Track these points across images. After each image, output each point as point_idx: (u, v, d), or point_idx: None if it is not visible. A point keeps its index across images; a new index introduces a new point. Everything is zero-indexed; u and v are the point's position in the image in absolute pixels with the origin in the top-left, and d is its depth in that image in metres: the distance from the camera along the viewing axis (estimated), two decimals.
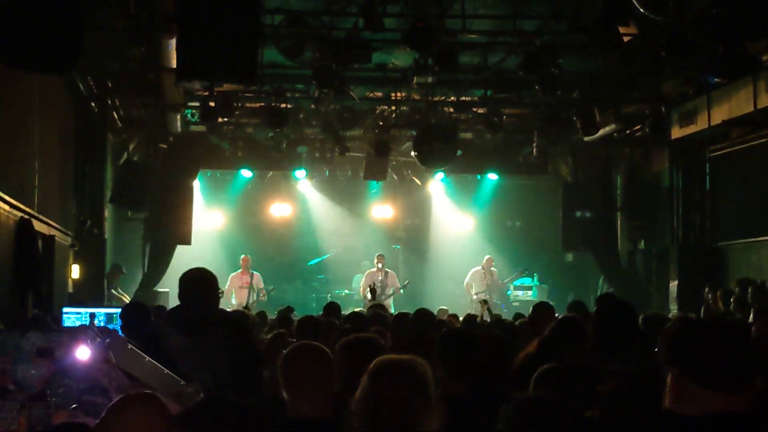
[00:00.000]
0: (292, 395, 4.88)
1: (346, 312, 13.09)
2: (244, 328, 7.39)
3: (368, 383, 4.31)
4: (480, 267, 23.00)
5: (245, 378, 6.89)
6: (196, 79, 11.57)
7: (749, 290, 14.37)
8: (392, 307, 20.54)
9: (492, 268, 22.99)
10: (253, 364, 7.00)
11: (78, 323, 10.20)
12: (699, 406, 3.34)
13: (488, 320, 14.08)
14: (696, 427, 3.32)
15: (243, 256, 22.37)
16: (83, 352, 4.61)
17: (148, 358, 5.34)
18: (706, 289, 16.59)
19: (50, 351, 4.66)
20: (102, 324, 9.93)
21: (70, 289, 17.27)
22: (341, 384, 5.15)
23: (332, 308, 12.66)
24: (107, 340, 4.91)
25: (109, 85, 18.52)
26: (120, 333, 7.72)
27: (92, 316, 10.06)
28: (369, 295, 19.39)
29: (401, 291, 22.43)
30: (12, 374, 4.62)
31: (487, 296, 21.78)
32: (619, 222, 24.02)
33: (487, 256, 23.21)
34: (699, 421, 3.32)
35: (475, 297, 22.42)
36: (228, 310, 13.87)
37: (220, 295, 7.66)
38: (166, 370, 5.27)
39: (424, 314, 9.92)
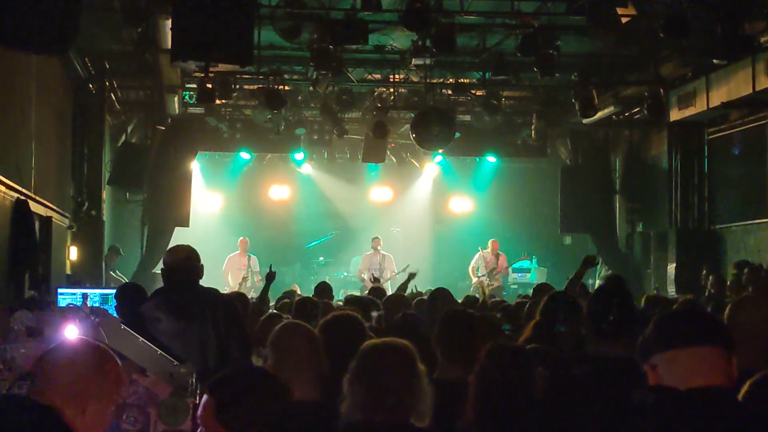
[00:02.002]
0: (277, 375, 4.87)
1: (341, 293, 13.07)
2: (232, 307, 7.36)
3: (357, 367, 4.31)
4: (488, 250, 23.02)
5: (233, 360, 6.88)
6: (191, 59, 11.53)
7: (745, 272, 14.36)
8: (390, 289, 20.53)
9: (499, 252, 22.96)
10: (241, 347, 6.99)
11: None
12: (677, 383, 3.37)
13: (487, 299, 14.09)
14: (681, 400, 3.33)
15: (241, 238, 22.38)
16: (72, 332, 4.58)
17: (141, 338, 5.32)
18: (704, 272, 16.60)
19: (40, 330, 4.64)
20: (97, 305, 9.92)
21: (68, 271, 17.26)
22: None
23: (323, 289, 12.58)
24: (97, 320, 4.89)
25: (107, 66, 18.48)
26: (115, 314, 7.71)
27: (85, 296, 10.05)
28: (366, 277, 19.38)
29: (397, 276, 22.43)
30: (1, 353, 4.60)
31: (486, 279, 21.85)
32: (617, 204, 24.02)
33: (492, 240, 23.19)
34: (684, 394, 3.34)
35: (475, 279, 22.45)
36: (225, 291, 13.79)
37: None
38: (159, 351, 5.25)
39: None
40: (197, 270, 7.27)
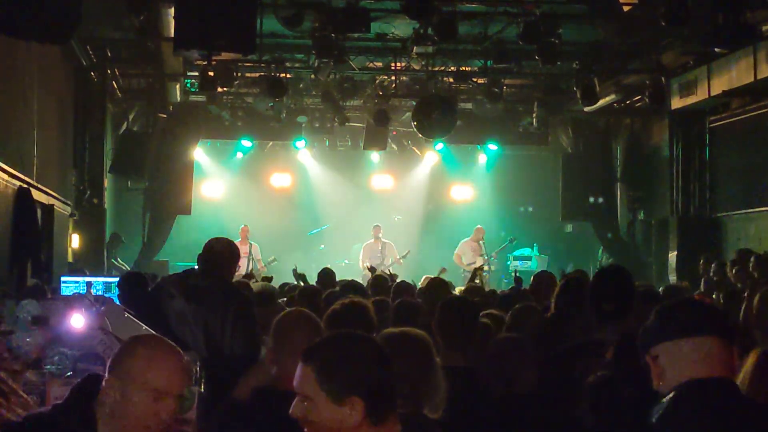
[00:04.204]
0: (278, 365, 4.87)
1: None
2: (246, 301, 7.42)
3: None
4: (469, 238, 23.06)
5: (241, 347, 6.91)
6: (193, 47, 11.53)
7: (751, 260, 14.37)
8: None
9: (480, 241, 23.02)
10: (250, 335, 7.01)
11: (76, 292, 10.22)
12: (680, 373, 3.39)
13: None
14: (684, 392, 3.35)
15: (242, 226, 22.39)
16: (77, 320, 4.61)
17: (144, 326, 5.35)
18: (701, 261, 16.62)
19: (45, 319, 4.66)
20: (100, 293, 9.96)
21: (70, 259, 17.30)
22: None
23: (327, 275, 12.50)
24: (102, 308, 4.92)
25: (109, 54, 18.48)
26: (117, 302, 7.76)
27: (89, 285, 10.08)
28: (368, 272, 19.38)
29: (401, 261, 22.48)
30: (7, 342, 4.63)
31: (486, 266, 21.87)
32: (618, 192, 24.03)
33: (477, 227, 23.23)
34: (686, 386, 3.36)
35: (467, 267, 22.47)
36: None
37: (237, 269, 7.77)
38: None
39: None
40: (226, 263, 7.38)
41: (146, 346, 3.61)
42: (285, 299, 10.35)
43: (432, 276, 12.95)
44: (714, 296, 11.74)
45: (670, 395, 3.37)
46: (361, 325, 5.61)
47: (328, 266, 13.36)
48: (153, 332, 5.24)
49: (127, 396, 3.47)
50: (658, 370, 3.44)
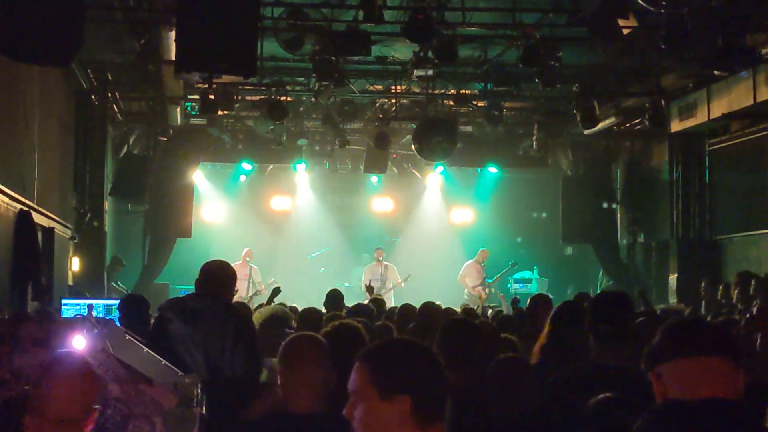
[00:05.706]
0: (286, 388, 4.86)
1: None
2: (245, 321, 7.40)
3: None
4: (473, 260, 23.09)
5: (241, 369, 6.90)
6: (195, 70, 11.54)
7: (752, 283, 14.34)
8: (392, 300, 20.57)
9: (482, 263, 23.08)
10: (250, 356, 6.99)
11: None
12: (681, 392, 3.39)
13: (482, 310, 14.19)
14: (687, 411, 3.35)
15: (247, 249, 22.37)
16: (79, 342, 4.60)
17: (145, 348, 5.33)
18: (703, 284, 16.61)
19: (46, 341, 4.66)
20: (101, 315, 9.94)
21: (71, 282, 17.29)
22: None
23: (334, 297, 12.48)
24: (103, 330, 4.91)
25: (109, 77, 18.53)
26: (118, 324, 7.74)
27: (90, 307, 10.06)
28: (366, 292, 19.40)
29: (402, 284, 22.47)
30: (8, 364, 4.62)
31: (487, 290, 21.88)
32: (618, 215, 24.03)
33: (481, 249, 23.26)
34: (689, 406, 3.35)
35: (473, 290, 22.47)
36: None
37: (235, 291, 7.75)
38: (164, 361, 5.27)
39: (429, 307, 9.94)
40: (223, 285, 7.36)
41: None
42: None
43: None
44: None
45: (650, 411, 3.39)
46: (354, 347, 5.61)
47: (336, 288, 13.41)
48: (153, 354, 5.23)
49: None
50: (661, 389, 3.44)
